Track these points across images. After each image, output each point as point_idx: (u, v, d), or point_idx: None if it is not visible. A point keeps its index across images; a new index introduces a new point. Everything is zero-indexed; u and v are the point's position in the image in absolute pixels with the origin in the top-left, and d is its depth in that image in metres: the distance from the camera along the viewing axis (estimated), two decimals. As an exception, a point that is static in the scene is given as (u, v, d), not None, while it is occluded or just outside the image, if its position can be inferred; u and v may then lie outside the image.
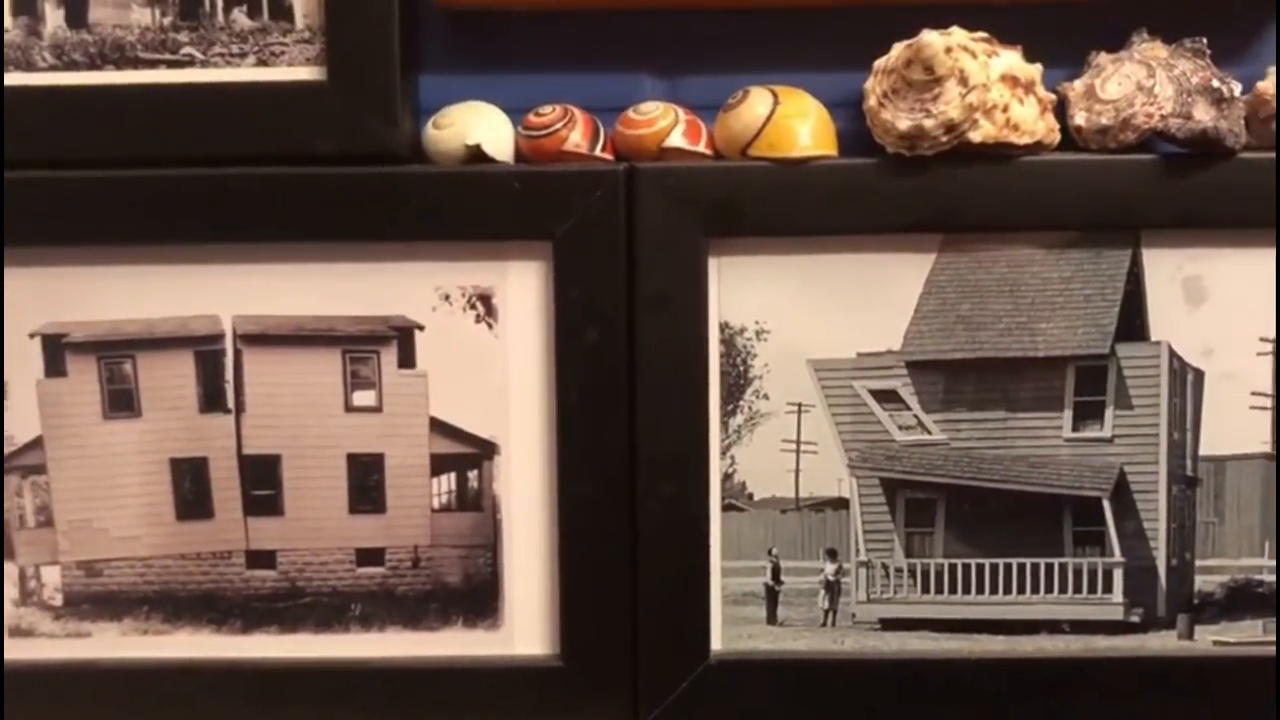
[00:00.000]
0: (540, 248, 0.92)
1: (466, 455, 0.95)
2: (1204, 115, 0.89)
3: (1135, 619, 0.95)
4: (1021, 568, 0.95)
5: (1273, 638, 0.95)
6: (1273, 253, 0.91)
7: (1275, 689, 0.94)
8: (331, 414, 0.95)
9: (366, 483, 0.95)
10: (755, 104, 0.91)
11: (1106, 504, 0.94)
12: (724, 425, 0.94)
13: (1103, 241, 0.92)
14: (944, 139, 0.88)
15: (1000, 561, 0.95)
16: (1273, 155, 0.89)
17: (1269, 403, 0.94)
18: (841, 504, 0.95)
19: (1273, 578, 0.95)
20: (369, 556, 0.96)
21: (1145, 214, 0.91)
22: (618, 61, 0.97)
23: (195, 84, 0.93)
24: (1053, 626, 0.95)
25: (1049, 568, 0.95)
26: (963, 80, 0.87)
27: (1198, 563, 0.95)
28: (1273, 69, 0.92)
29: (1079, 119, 0.91)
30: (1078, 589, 0.95)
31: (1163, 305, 0.93)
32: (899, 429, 0.94)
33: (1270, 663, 0.94)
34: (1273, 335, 0.93)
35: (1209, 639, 0.95)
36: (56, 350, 0.95)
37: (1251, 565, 0.95)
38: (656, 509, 0.93)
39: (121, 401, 0.95)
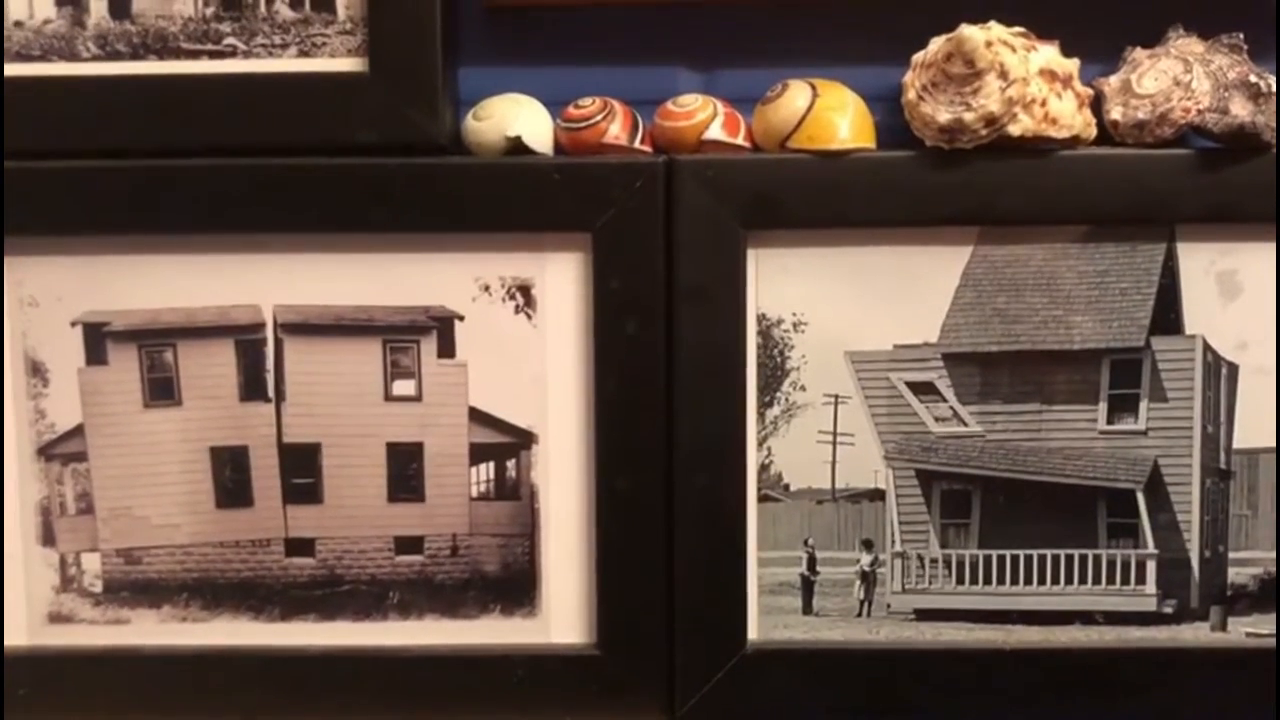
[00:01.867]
0: (579, 239, 0.93)
1: (505, 445, 0.96)
2: (1241, 110, 0.89)
3: (1168, 610, 0.96)
4: (1056, 559, 0.96)
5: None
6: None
7: (1275, 682, 0.94)
8: (371, 403, 0.95)
9: (405, 471, 0.96)
10: (794, 97, 0.92)
11: (1140, 496, 0.95)
12: (761, 416, 0.95)
13: (1138, 235, 0.93)
14: (983, 132, 0.89)
15: (1035, 553, 0.96)
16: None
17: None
18: (877, 495, 0.96)
19: (1305, 570, 0.96)
20: (407, 545, 0.97)
21: (1180, 208, 0.91)
22: (656, 54, 0.98)
23: (237, 74, 0.93)
24: (1086, 618, 0.96)
25: (1083, 559, 0.96)
26: (1003, 74, 0.88)
27: (1231, 555, 0.96)
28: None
29: (1115, 114, 0.91)
30: (1111, 580, 0.96)
31: (1197, 299, 0.93)
32: (935, 421, 0.95)
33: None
34: (1307, 329, 0.94)
35: (1242, 631, 0.96)
36: (98, 339, 0.95)
37: (1284, 558, 0.96)
38: (693, 499, 0.94)
39: (162, 390, 0.96)
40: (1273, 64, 0.92)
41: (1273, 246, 0.93)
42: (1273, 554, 0.95)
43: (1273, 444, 0.94)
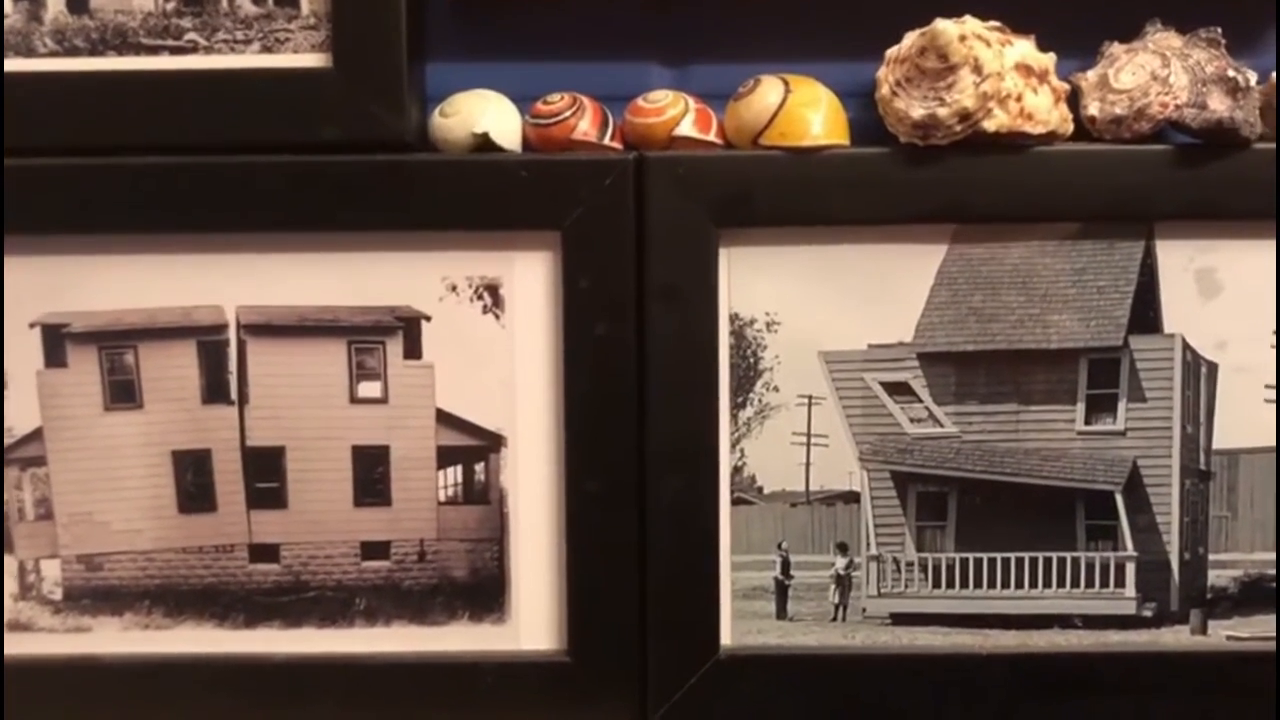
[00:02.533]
0: (548, 237, 0.91)
1: (473, 447, 0.94)
2: (1219, 105, 0.88)
3: (1148, 613, 0.95)
4: (1034, 562, 0.94)
5: (1286, 633, 0.94)
6: (1288, 244, 0.91)
7: (1276, 685, 0.93)
8: (336, 405, 0.94)
9: (372, 475, 0.94)
10: (766, 93, 0.90)
11: (1119, 498, 0.94)
12: (734, 418, 0.93)
13: (1116, 233, 0.92)
14: (958, 128, 0.87)
15: (1012, 556, 0.94)
16: (1289, 145, 0.89)
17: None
18: (852, 497, 0.94)
19: (1286, 572, 0.94)
20: (374, 550, 0.95)
21: (1159, 205, 0.90)
22: (627, 50, 0.96)
23: (198, 71, 0.92)
24: (1065, 621, 0.94)
25: (1061, 562, 0.94)
26: (977, 69, 0.86)
27: (1210, 557, 0.94)
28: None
29: (1093, 109, 0.90)
30: (1090, 583, 0.94)
31: (1176, 297, 0.92)
32: (910, 422, 0.94)
33: (1283, 658, 0.93)
34: (1287, 328, 0.92)
35: (1222, 634, 0.95)
36: (57, 340, 0.93)
37: (1264, 560, 0.94)
38: (665, 502, 0.92)
39: (123, 393, 0.94)
40: (1249, 58, 0.91)
41: (1253, 244, 0.91)
42: (1253, 556, 0.94)
43: (1252, 444, 0.93)
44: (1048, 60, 0.90)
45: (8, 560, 0.95)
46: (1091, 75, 0.91)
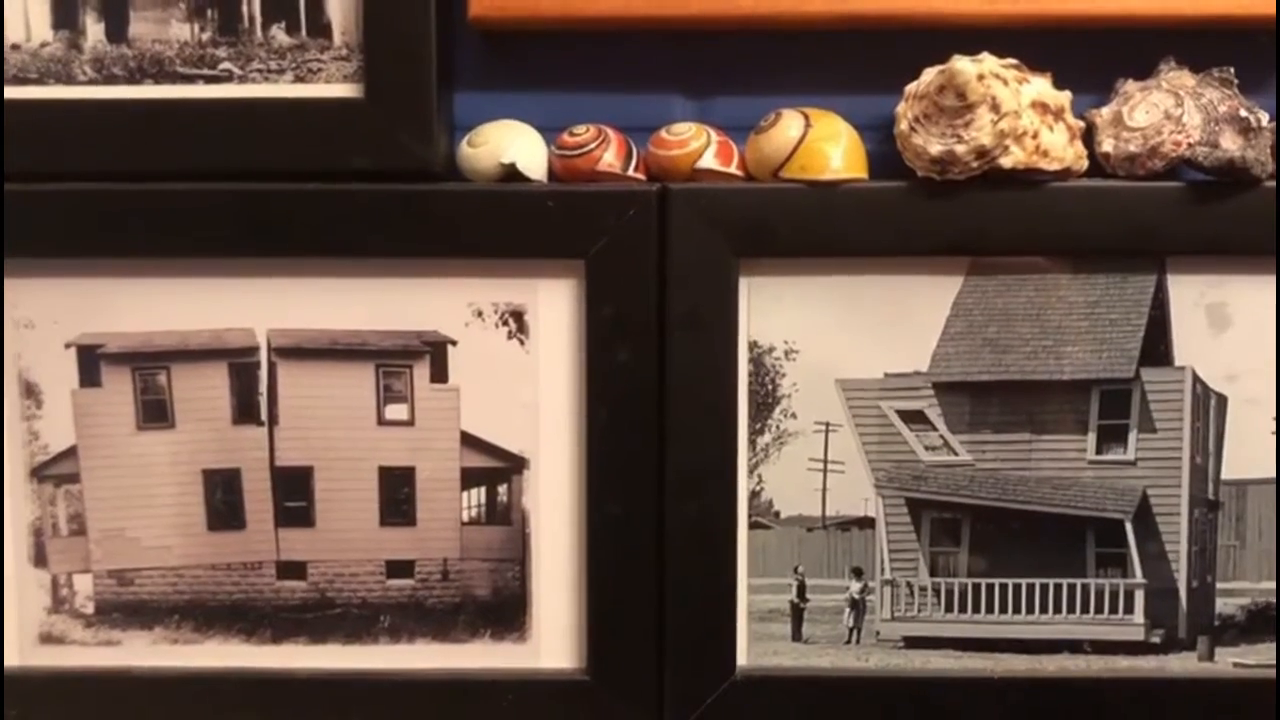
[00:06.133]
0: (573, 266, 0.93)
1: (496, 469, 0.96)
2: (1231, 144, 0.90)
3: (1156, 640, 0.96)
4: (1044, 588, 0.96)
5: (1291, 660, 0.96)
6: (1297, 280, 0.93)
7: (1275, 706, 0.95)
8: (364, 427, 0.96)
9: (397, 495, 0.96)
10: (787, 126, 0.92)
11: (1129, 526, 0.95)
12: (752, 443, 0.95)
13: (1128, 267, 0.93)
14: (975, 164, 0.89)
15: (1023, 581, 0.96)
16: (1300, 184, 0.91)
17: (1289, 428, 0.95)
18: (867, 523, 0.96)
19: (1292, 601, 0.96)
20: (399, 568, 0.97)
21: (1171, 240, 0.92)
22: (650, 82, 0.98)
23: (233, 99, 0.94)
24: (1074, 646, 0.96)
25: (1071, 588, 0.96)
26: (994, 107, 0.88)
27: (1218, 585, 0.96)
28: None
29: (1107, 146, 0.92)
30: (1099, 610, 0.96)
31: (1187, 331, 0.94)
32: (925, 449, 0.95)
33: (1289, 685, 0.95)
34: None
35: (1229, 661, 0.96)
36: (91, 361, 0.96)
37: (1271, 588, 0.96)
38: (684, 525, 0.94)
39: (155, 412, 0.96)
40: (1261, 98, 0.93)
41: (1263, 279, 0.93)
42: (1260, 585, 0.96)
43: (1261, 475, 0.95)
44: (1063, 98, 0.92)
45: (41, 574, 0.97)
46: (1106, 113, 0.93)
